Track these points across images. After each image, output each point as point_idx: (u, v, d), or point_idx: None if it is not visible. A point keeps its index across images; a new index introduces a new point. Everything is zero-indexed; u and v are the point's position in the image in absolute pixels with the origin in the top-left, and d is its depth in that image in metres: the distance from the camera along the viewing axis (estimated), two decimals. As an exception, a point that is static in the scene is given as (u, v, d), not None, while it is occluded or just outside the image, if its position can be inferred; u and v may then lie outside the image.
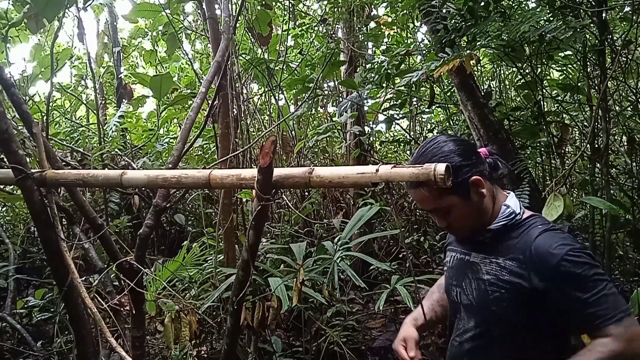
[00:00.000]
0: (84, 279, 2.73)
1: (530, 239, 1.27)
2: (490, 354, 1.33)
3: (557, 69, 3.68)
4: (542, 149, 3.53)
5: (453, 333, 1.46)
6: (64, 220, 2.53)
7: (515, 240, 1.30)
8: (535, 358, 1.29)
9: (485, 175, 1.33)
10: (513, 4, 3.07)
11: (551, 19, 2.66)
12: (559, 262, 1.19)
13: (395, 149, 6.37)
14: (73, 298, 2.01)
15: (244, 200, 3.73)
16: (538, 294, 1.23)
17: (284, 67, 4.88)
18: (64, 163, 2.85)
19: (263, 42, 4.35)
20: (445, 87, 4.29)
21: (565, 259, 1.19)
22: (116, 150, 4.22)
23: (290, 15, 5.07)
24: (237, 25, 3.55)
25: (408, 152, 5.92)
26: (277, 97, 4.94)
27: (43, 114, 3.08)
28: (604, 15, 2.68)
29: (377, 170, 1.26)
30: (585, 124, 3.68)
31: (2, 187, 3.24)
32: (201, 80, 4.01)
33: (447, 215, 1.32)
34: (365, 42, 5.26)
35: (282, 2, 5.03)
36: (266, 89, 4.90)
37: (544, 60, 3.24)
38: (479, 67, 4.49)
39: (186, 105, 4.85)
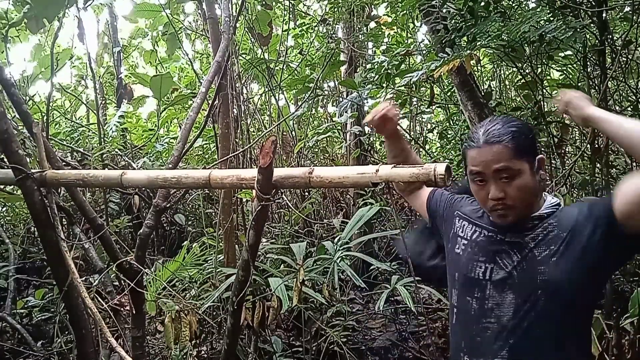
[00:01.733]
0: (84, 279, 2.73)
1: (572, 209, 1.34)
2: (536, 325, 1.27)
3: (557, 69, 3.68)
4: (542, 149, 3.53)
5: (470, 316, 1.37)
6: (64, 220, 2.53)
7: (557, 220, 1.32)
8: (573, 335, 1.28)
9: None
10: (513, 4, 3.07)
11: (551, 19, 2.66)
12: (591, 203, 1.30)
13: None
14: (73, 298, 2.01)
15: (244, 200, 3.73)
16: (593, 243, 1.24)
17: (284, 67, 4.88)
18: (64, 163, 2.85)
19: (263, 42, 4.35)
20: (445, 87, 4.29)
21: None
22: (116, 150, 4.22)
23: (290, 15, 5.07)
24: (237, 25, 3.55)
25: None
26: (277, 97, 4.94)
27: (43, 114, 3.08)
28: (604, 15, 2.68)
29: (377, 171, 1.26)
30: (586, 124, 3.67)
31: (2, 187, 3.24)
32: (201, 80, 4.01)
33: (510, 181, 1.29)
34: (366, 42, 5.26)
35: (282, 2, 5.03)
36: (266, 89, 4.90)
37: (544, 60, 3.23)
38: (479, 67, 4.49)
39: (186, 105, 4.86)
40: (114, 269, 2.30)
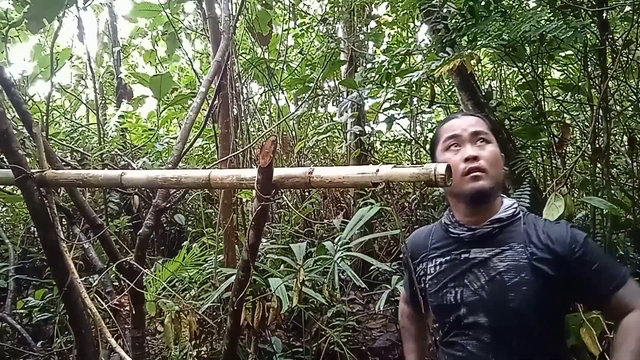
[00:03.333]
0: (84, 279, 2.73)
1: (541, 226, 1.32)
2: (509, 349, 1.27)
3: (558, 68, 3.67)
4: (543, 148, 3.53)
5: (450, 336, 1.38)
6: (64, 220, 2.53)
7: (522, 229, 1.32)
8: (549, 352, 1.29)
9: None
10: (514, 4, 3.06)
11: (552, 18, 2.66)
12: (586, 239, 1.27)
13: (395, 149, 6.37)
14: (73, 298, 2.00)
15: (244, 200, 3.73)
16: (560, 271, 1.24)
17: (284, 67, 4.88)
18: (64, 163, 2.84)
19: (263, 42, 4.35)
20: (445, 87, 4.29)
21: (587, 240, 1.27)
22: (116, 150, 4.22)
23: (291, 15, 5.07)
24: (237, 24, 3.55)
25: (409, 152, 5.92)
26: (277, 97, 4.94)
27: (43, 114, 3.07)
28: (604, 14, 2.68)
29: (378, 170, 1.25)
30: (586, 123, 3.68)
31: (2, 187, 3.24)
32: (201, 80, 4.00)
33: (484, 145, 1.33)
34: (366, 42, 5.26)
35: (282, 2, 5.02)
36: (266, 89, 4.90)
37: (544, 60, 3.23)
38: (480, 67, 4.49)
39: (186, 105, 4.86)
40: (113, 269, 2.30)
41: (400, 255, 4.42)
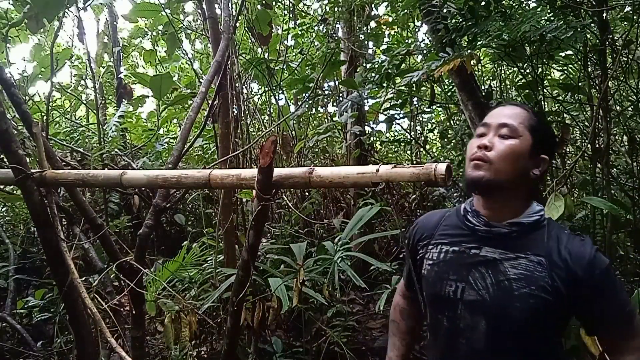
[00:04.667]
0: (84, 279, 2.72)
1: (564, 241, 1.24)
2: (510, 353, 1.25)
3: (558, 68, 3.68)
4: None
5: (442, 334, 1.34)
6: (64, 220, 2.53)
7: (544, 239, 1.25)
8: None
9: (544, 173, 1.34)
10: (514, 4, 3.07)
11: (552, 18, 2.66)
12: (608, 267, 1.21)
13: (395, 149, 6.37)
14: (73, 298, 2.01)
15: (244, 200, 3.73)
16: (571, 290, 1.19)
17: (284, 67, 4.88)
18: (64, 163, 2.84)
19: (263, 42, 4.35)
20: (445, 87, 4.29)
21: (609, 268, 1.22)
22: (116, 150, 4.21)
23: (291, 15, 5.07)
24: (237, 24, 3.55)
25: (409, 152, 5.93)
26: (277, 97, 4.94)
27: (43, 114, 3.07)
28: (604, 15, 2.68)
29: (378, 170, 1.25)
30: (586, 123, 3.68)
31: (2, 187, 3.24)
32: (201, 80, 4.00)
33: (503, 139, 1.26)
34: (366, 42, 5.26)
35: (282, 2, 5.02)
36: (266, 89, 4.90)
37: (544, 60, 3.23)
38: (480, 67, 4.49)
39: (186, 105, 4.86)
40: (113, 269, 2.30)
41: (401, 255, 4.44)
